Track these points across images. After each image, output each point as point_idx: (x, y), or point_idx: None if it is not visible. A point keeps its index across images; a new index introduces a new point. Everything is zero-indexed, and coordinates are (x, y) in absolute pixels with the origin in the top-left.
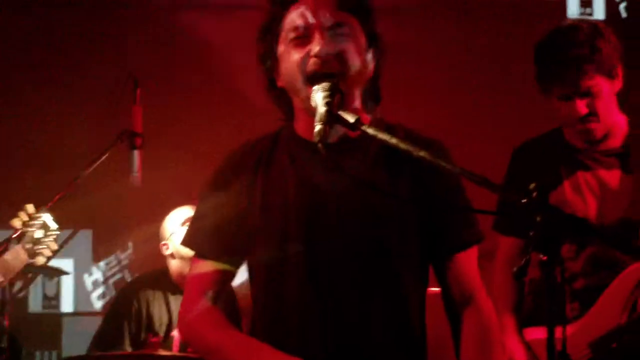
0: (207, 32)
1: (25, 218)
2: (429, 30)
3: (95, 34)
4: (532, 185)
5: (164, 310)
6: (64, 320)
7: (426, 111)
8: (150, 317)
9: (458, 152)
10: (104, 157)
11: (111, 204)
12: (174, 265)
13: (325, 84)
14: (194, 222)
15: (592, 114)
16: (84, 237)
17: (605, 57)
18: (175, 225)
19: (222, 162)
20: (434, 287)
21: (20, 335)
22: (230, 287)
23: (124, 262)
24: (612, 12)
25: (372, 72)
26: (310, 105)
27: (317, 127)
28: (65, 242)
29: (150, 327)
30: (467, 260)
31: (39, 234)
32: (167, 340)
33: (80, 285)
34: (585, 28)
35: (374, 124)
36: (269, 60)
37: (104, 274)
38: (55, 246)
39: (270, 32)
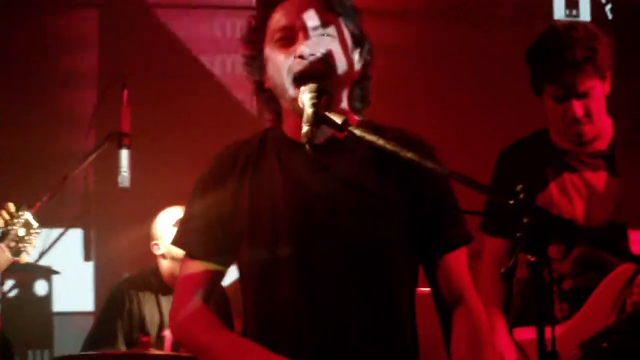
0: (197, 33)
1: (7, 217)
2: (429, 33)
3: (83, 36)
4: (519, 187)
5: (155, 310)
6: (56, 319)
7: (425, 111)
8: (142, 317)
9: (457, 153)
10: (92, 157)
11: (101, 204)
12: (165, 265)
13: (311, 85)
14: (183, 222)
15: (587, 115)
16: (75, 236)
17: (601, 58)
18: (167, 225)
19: (210, 163)
20: (424, 287)
21: (11, 334)
22: (222, 287)
23: (115, 262)
24: (598, 14)
25: (360, 73)
26: (297, 106)
27: (304, 128)
28: (56, 241)
29: (142, 327)
30: (457, 260)
31: (21, 232)
32: (159, 339)
33: (71, 285)
34: (582, 29)
35: (361, 125)
36: (256, 62)
37: (94, 273)
38: (35, 244)
39: (256, 33)
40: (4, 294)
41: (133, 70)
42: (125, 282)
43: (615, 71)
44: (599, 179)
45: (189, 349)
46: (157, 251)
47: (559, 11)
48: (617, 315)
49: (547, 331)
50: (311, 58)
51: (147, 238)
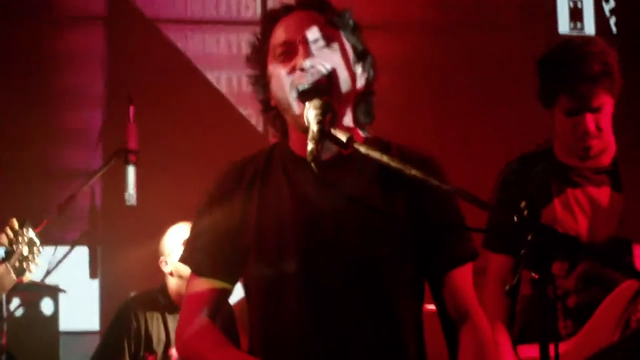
0: (203, 49)
1: (11, 235)
2: (431, 44)
3: (89, 53)
4: (523, 204)
5: (161, 329)
6: (62, 338)
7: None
8: (148, 336)
9: (461, 164)
10: (99, 174)
11: (108, 221)
12: (172, 283)
13: (316, 102)
14: (190, 240)
15: (598, 130)
16: (81, 254)
17: (616, 73)
18: (175, 242)
19: (216, 179)
20: (429, 304)
21: (18, 353)
22: (229, 304)
23: (121, 279)
24: (602, 27)
25: (364, 88)
26: (302, 122)
27: (310, 145)
28: (62, 259)
29: (148, 346)
30: (462, 277)
31: (25, 250)
32: (165, 358)
33: (77, 303)
34: (597, 43)
35: (367, 141)
36: (261, 80)
37: (100, 291)
38: (38, 262)
39: (259, 51)
40: (10, 313)
41: (139, 86)
42: (132, 301)
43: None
44: (602, 194)
45: None
46: (165, 268)
47: (564, 24)
48: (622, 331)
49: (552, 348)
50: (312, 71)
51: (154, 256)
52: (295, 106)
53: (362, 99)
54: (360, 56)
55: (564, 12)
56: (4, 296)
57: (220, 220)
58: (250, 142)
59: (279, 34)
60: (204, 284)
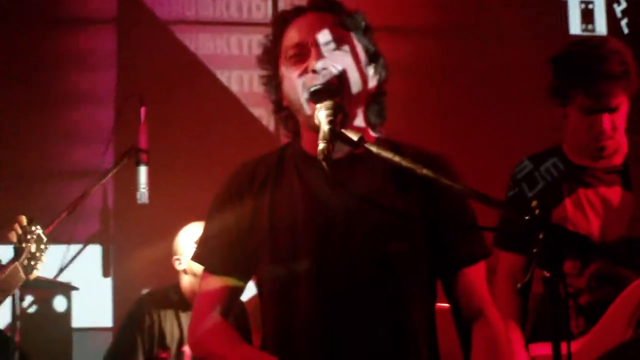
0: (214, 50)
1: (20, 232)
2: (441, 49)
3: (100, 53)
4: (534, 203)
5: (175, 326)
6: (75, 335)
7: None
8: (162, 333)
9: (470, 167)
10: (111, 174)
11: (120, 220)
12: (186, 281)
13: (327, 103)
14: (203, 238)
15: (613, 129)
16: (94, 252)
17: (634, 74)
18: (189, 241)
19: (228, 180)
20: (442, 302)
21: (31, 351)
22: (242, 302)
23: (134, 278)
24: (613, 28)
25: (375, 89)
26: (313, 122)
27: (321, 145)
28: (75, 257)
29: (162, 343)
30: (476, 275)
31: (33, 248)
32: (178, 355)
33: (90, 301)
34: (616, 43)
35: (379, 142)
36: (272, 81)
37: (113, 289)
38: (44, 260)
39: (271, 53)
40: (23, 310)
41: (150, 86)
42: (145, 298)
43: None
44: (614, 194)
45: None
46: (179, 266)
47: (575, 26)
48: (634, 330)
49: (564, 347)
50: (324, 72)
51: (166, 254)
52: (307, 107)
53: (373, 100)
54: (372, 57)
55: (575, 13)
56: (17, 293)
57: (232, 219)
58: (262, 142)
59: (291, 36)
60: (216, 282)
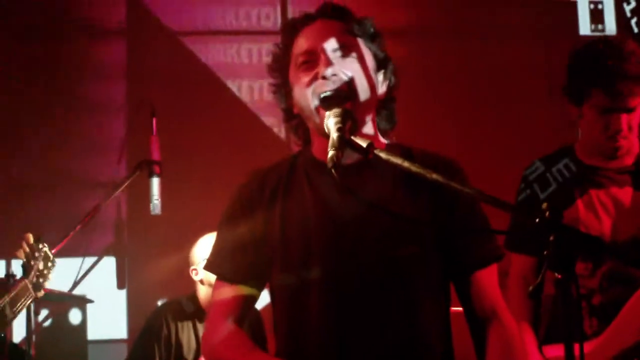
0: (224, 59)
1: (27, 249)
2: (448, 50)
3: (111, 64)
4: (545, 205)
5: (192, 336)
6: (90, 347)
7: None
8: (179, 344)
9: (476, 170)
10: (124, 186)
11: (133, 231)
12: (202, 291)
13: (336, 110)
14: (215, 247)
15: (629, 129)
16: (108, 265)
17: None
18: (206, 251)
19: (239, 188)
20: (455, 306)
21: None
22: (256, 309)
23: (148, 289)
24: (623, 28)
25: (385, 95)
26: (323, 129)
27: (330, 152)
28: (90, 269)
29: (179, 354)
30: (488, 277)
31: (41, 265)
32: None
33: (105, 313)
34: (633, 44)
35: (389, 148)
36: (283, 89)
37: (127, 300)
38: (52, 277)
39: (281, 61)
40: (39, 323)
41: (161, 97)
42: (162, 308)
43: None
44: (625, 194)
45: None
46: (196, 277)
47: (584, 26)
48: None
49: (577, 348)
50: (334, 78)
51: (180, 265)
52: (317, 114)
53: (383, 106)
54: (381, 63)
55: (585, 13)
56: (32, 307)
57: (244, 227)
58: (273, 150)
59: (301, 44)
60: (230, 291)
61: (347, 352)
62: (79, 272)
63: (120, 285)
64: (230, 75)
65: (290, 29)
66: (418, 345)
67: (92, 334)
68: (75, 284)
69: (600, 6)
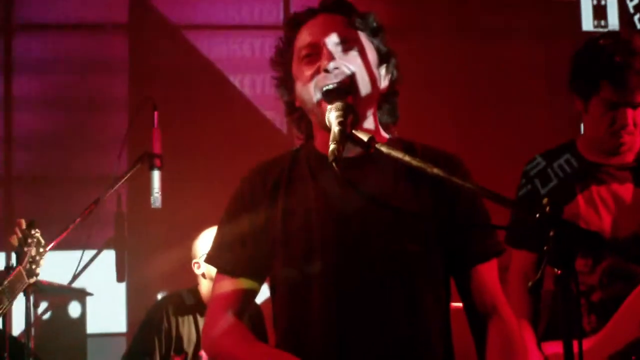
0: (226, 54)
1: (20, 235)
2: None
3: (113, 59)
4: (545, 200)
5: (193, 330)
6: (89, 341)
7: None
8: (179, 337)
9: (478, 166)
10: (125, 179)
11: (134, 225)
12: (204, 285)
13: (338, 104)
14: (216, 240)
15: (635, 126)
16: (108, 258)
17: None
18: (208, 245)
19: (241, 181)
20: (455, 301)
21: (46, 356)
22: (257, 304)
23: (148, 282)
24: (626, 24)
25: (387, 89)
26: (325, 121)
27: (331, 146)
28: (90, 262)
29: (179, 347)
30: (489, 272)
31: (34, 251)
32: (195, 359)
33: (104, 306)
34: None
35: (390, 142)
36: (285, 82)
37: (127, 294)
38: (43, 264)
39: (284, 55)
40: (38, 316)
41: (163, 91)
42: (163, 301)
43: None
44: (626, 191)
45: None
46: (198, 270)
47: (587, 22)
48: None
49: (576, 345)
50: (336, 72)
51: (181, 258)
52: (319, 108)
53: (385, 100)
54: (384, 58)
55: (588, 9)
56: (31, 299)
57: (246, 220)
58: (275, 144)
59: (304, 37)
60: (230, 284)
61: (348, 346)
62: (78, 265)
63: (120, 279)
64: (233, 70)
65: (293, 23)
66: (420, 339)
67: (92, 327)
68: (75, 276)
69: (603, 2)
